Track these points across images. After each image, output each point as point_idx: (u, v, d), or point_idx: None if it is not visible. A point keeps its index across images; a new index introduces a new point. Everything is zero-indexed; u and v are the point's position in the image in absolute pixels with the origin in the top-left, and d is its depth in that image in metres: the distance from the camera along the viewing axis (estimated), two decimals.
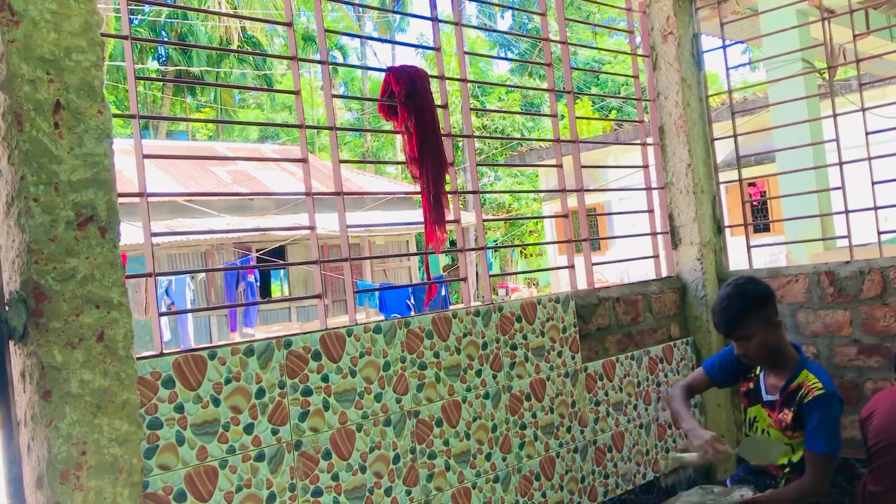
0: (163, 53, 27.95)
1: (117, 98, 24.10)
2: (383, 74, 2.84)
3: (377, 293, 12.73)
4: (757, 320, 2.65)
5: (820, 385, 2.66)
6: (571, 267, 3.44)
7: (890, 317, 3.27)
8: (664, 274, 3.73)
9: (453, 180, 2.95)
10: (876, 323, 3.31)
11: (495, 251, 24.83)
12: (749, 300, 2.66)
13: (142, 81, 22.62)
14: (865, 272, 3.33)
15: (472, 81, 3.24)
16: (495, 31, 12.76)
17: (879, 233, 3.45)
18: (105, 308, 1.72)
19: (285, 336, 2.28)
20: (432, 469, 2.56)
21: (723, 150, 4.04)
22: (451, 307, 9.11)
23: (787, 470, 2.75)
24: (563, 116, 3.47)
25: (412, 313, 12.09)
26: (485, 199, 23.98)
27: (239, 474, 2.09)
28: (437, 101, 2.88)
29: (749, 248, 3.76)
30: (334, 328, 2.39)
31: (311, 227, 2.53)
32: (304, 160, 2.59)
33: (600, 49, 4.35)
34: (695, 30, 3.88)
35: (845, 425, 3.34)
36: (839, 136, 3.51)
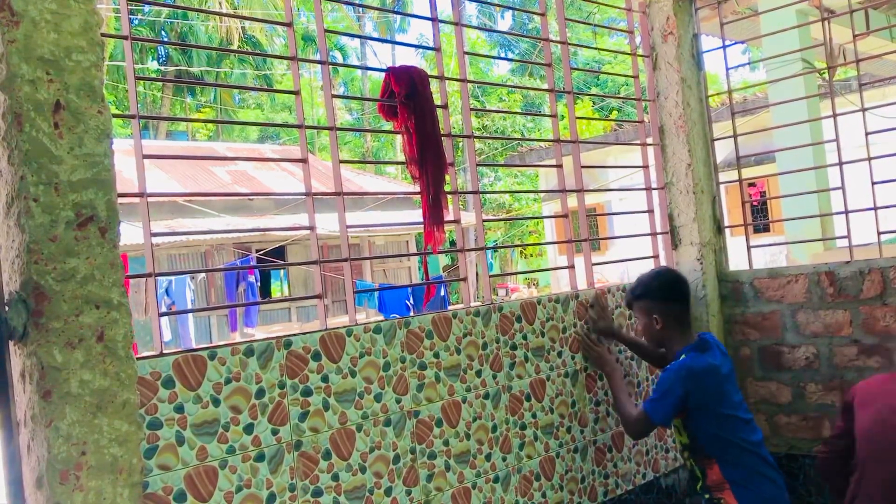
0: (163, 53, 27.95)
1: (117, 98, 24.09)
2: (383, 75, 2.84)
3: (376, 293, 12.73)
4: (638, 309, 2.98)
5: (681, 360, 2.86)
6: (571, 267, 3.44)
7: (890, 317, 3.27)
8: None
9: (453, 180, 2.95)
10: (876, 323, 3.31)
11: (495, 251, 24.85)
12: (632, 290, 3.03)
13: (142, 81, 22.61)
14: (865, 272, 3.33)
15: (472, 82, 3.24)
16: (495, 31, 12.77)
17: (879, 233, 3.45)
18: (105, 308, 1.72)
19: (285, 336, 2.28)
20: (432, 469, 2.56)
21: (723, 150, 4.04)
22: (451, 307, 9.10)
23: (686, 454, 2.94)
24: (563, 117, 3.47)
25: (411, 313, 12.09)
26: (485, 200, 23.98)
27: (239, 474, 2.09)
28: (437, 102, 2.88)
29: (749, 248, 3.76)
30: (334, 328, 2.39)
31: (311, 228, 2.53)
32: (304, 160, 2.59)
33: (600, 49, 4.35)
34: (695, 30, 3.88)
35: None
36: (839, 136, 3.51)
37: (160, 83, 25.84)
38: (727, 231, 3.91)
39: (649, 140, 3.88)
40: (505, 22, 33.94)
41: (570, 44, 3.51)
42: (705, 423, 2.80)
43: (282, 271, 18.46)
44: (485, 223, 3.07)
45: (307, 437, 2.25)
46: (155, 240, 2.19)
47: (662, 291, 2.94)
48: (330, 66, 2.67)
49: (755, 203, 15.43)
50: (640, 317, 2.99)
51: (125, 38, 2.19)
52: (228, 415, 2.09)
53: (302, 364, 2.27)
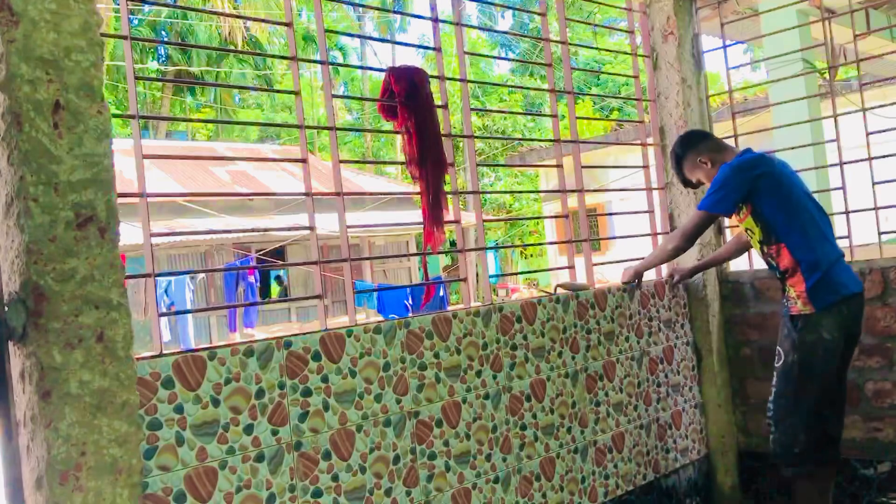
0: (163, 53, 27.93)
1: (117, 98, 24.07)
2: (383, 74, 2.83)
3: (375, 294, 12.71)
4: (690, 169, 3.14)
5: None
6: (571, 267, 3.43)
7: (890, 317, 3.27)
8: (664, 274, 3.73)
9: (453, 180, 2.95)
10: (876, 323, 3.31)
11: (496, 252, 24.83)
12: (673, 161, 3.20)
13: (142, 81, 22.61)
14: (866, 272, 3.32)
15: (472, 81, 3.24)
16: (495, 31, 12.75)
17: (880, 233, 3.45)
18: (104, 308, 1.71)
19: (285, 337, 2.28)
20: (432, 470, 2.55)
21: None
22: (452, 307, 9.09)
23: (763, 249, 3.01)
24: (563, 117, 3.47)
25: (410, 314, 12.07)
26: (485, 200, 23.96)
27: (239, 475, 2.09)
28: (437, 102, 2.88)
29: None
30: (334, 329, 2.38)
31: (311, 228, 2.53)
32: (303, 160, 2.59)
33: (600, 49, 4.35)
34: (695, 30, 3.87)
35: (846, 425, 3.34)
36: (840, 137, 3.51)
37: (160, 83, 25.82)
38: (728, 231, 3.90)
39: (650, 140, 3.88)
40: (505, 21, 33.90)
41: (570, 44, 3.50)
42: (771, 207, 2.91)
43: (281, 272, 18.44)
44: (485, 223, 3.07)
45: (307, 438, 2.25)
46: (154, 240, 2.19)
47: (686, 143, 3.15)
48: (330, 66, 2.67)
49: None
50: (695, 171, 3.14)
51: (125, 38, 2.18)
52: (228, 415, 2.09)
53: (302, 364, 2.26)
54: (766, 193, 2.90)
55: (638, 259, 3.72)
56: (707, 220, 3.06)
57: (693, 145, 3.13)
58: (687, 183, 3.21)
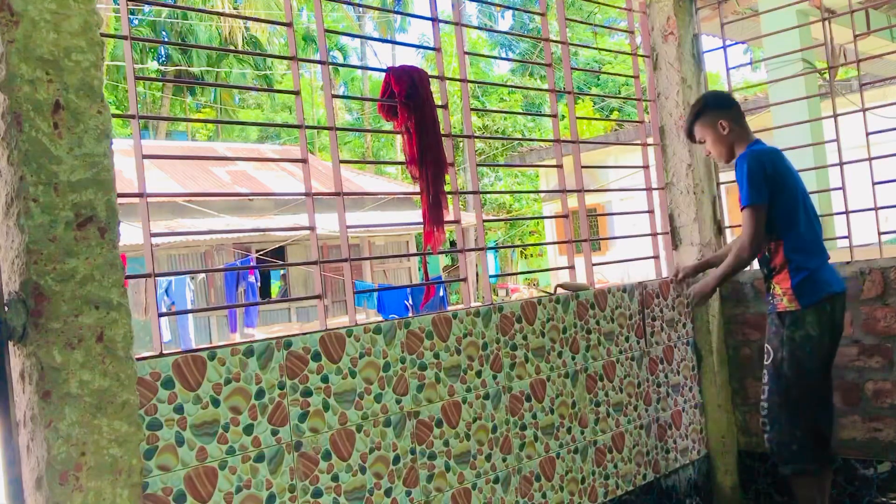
0: (163, 53, 27.94)
1: (117, 98, 24.07)
2: (383, 75, 2.83)
3: (375, 294, 12.71)
4: (703, 124, 3.10)
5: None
6: (571, 267, 3.43)
7: (890, 317, 3.27)
8: (664, 275, 3.73)
9: (453, 181, 2.95)
10: (876, 323, 3.31)
11: (496, 252, 24.83)
12: (696, 108, 3.16)
13: (142, 81, 22.61)
14: (866, 272, 3.32)
15: (472, 81, 3.24)
16: (495, 31, 12.76)
17: (880, 233, 3.45)
18: (104, 308, 1.71)
19: (285, 337, 2.28)
20: (432, 470, 2.55)
21: None
22: (452, 307, 9.09)
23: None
24: (563, 117, 3.47)
25: (410, 314, 12.07)
26: (485, 200, 23.96)
27: (239, 475, 2.09)
28: (437, 102, 2.88)
29: None
30: (334, 329, 2.38)
31: (311, 228, 2.53)
32: (304, 160, 2.59)
33: (601, 49, 4.35)
34: (695, 30, 3.87)
35: (846, 425, 3.35)
36: (840, 137, 3.51)
37: (160, 83, 25.82)
38: (728, 231, 3.90)
39: (650, 140, 3.88)
40: (505, 22, 33.91)
41: (570, 44, 3.50)
42: (775, 204, 2.92)
43: (281, 272, 18.44)
44: (485, 223, 3.07)
45: (307, 438, 2.25)
46: (155, 240, 2.19)
47: (717, 100, 3.13)
48: (330, 66, 2.67)
49: None
50: (708, 132, 3.11)
51: (125, 38, 2.18)
52: (228, 415, 2.09)
53: (302, 364, 2.26)
54: (773, 190, 2.92)
55: (638, 259, 3.73)
56: (758, 212, 2.93)
57: (724, 106, 3.11)
58: (690, 133, 3.20)
